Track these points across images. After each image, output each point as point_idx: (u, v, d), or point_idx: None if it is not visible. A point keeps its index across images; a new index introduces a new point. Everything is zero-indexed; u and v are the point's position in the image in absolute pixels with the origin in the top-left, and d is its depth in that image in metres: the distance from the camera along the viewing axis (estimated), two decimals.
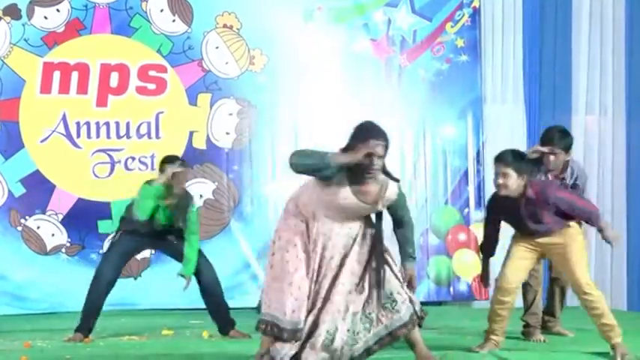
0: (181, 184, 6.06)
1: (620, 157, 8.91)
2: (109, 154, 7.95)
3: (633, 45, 8.94)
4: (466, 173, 8.64)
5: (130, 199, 6.18)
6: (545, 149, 5.77)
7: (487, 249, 5.54)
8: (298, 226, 4.55)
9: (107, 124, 7.95)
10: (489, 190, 8.21)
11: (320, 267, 4.54)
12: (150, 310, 7.64)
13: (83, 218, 7.83)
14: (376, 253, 4.57)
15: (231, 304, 6.31)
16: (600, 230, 5.28)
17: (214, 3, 8.25)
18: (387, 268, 4.60)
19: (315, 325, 4.49)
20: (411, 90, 8.57)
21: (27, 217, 7.77)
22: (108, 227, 7.84)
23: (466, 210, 8.65)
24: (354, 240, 4.59)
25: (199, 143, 8.13)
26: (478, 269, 8.55)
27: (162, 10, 8.09)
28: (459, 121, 8.57)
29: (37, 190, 7.77)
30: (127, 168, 7.97)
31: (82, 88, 7.90)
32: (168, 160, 6.07)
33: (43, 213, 7.80)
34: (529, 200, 5.15)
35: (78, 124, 7.90)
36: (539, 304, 6.16)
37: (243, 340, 5.95)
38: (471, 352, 5.33)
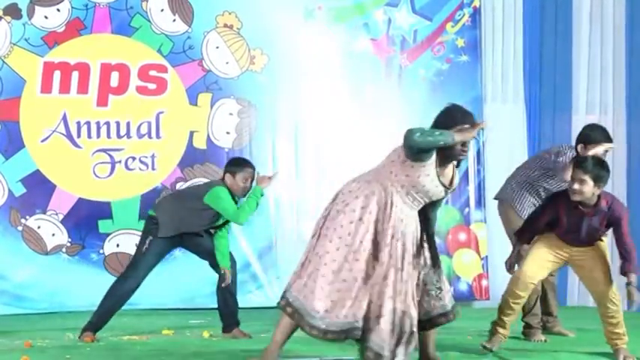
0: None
1: (621, 156, 8.91)
2: (109, 154, 7.95)
3: (633, 44, 8.94)
4: (466, 173, 8.63)
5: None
6: (611, 145, 5.77)
7: (527, 235, 5.34)
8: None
9: (107, 123, 7.95)
10: (489, 190, 8.23)
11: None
12: (150, 310, 7.63)
13: (83, 218, 7.83)
14: (429, 236, 4.58)
15: None
16: (629, 283, 5.15)
17: (215, 3, 8.25)
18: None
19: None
20: (411, 90, 8.58)
21: (27, 217, 7.76)
22: (108, 227, 7.85)
23: (466, 210, 8.66)
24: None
25: (200, 143, 8.13)
26: (478, 269, 8.68)
27: (162, 10, 8.08)
28: None
29: (38, 189, 7.77)
30: (127, 168, 7.97)
31: (83, 88, 7.90)
32: (242, 163, 6.04)
33: (44, 213, 7.79)
34: (598, 212, 5.06)
35: (78, 123, 7.89)
36: (539, 304, 6.15)
37: (244, 340, 5.95)
38: (484, 349, 5.29)
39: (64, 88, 7.87)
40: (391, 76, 8.59)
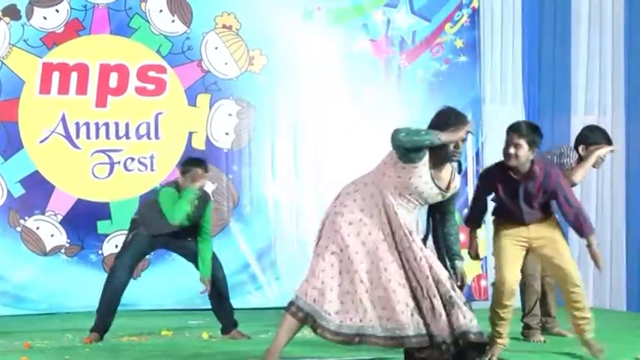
0: (203, 184, 6.15)
1: (620, 157, 8.91)
2: (108, 155, 7.95)
3: (632, 46, 8.93)
4: (465, 174, 8.63)
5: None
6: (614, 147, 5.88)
7: (476, 220, 5.44)
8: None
9: (106, 124, 7.95)
10: None
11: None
12: (150, 310, 7.64)
13: (82, 219, 7.83)
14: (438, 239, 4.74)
15: None
16: (589, 245, 5.14)
17: (214, 3, 8.25)
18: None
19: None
20: (410, 90, 8.58)
21: (26, 218, 7.76)
22: (107, 228, 7.85)
23: (465, 210, 8.63)
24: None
25: (199, 144, 8.13)
26: (477, 270, 8.68)
27: (161, 11, 8.08)
28: None
29: (37, 190, 7.77)
30: (126, 169, 7.97)
31: (82, 89, 7.90)
32: (191, 163, 6.13)
33: (43, 213, 7.79)
34: (530, 178, 5.06)
35: (77, 124, 7.89)
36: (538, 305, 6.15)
37: (243, 341, 5.96)
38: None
39: (63, 89, 7.87)
40: (390, 76, 8.59)
